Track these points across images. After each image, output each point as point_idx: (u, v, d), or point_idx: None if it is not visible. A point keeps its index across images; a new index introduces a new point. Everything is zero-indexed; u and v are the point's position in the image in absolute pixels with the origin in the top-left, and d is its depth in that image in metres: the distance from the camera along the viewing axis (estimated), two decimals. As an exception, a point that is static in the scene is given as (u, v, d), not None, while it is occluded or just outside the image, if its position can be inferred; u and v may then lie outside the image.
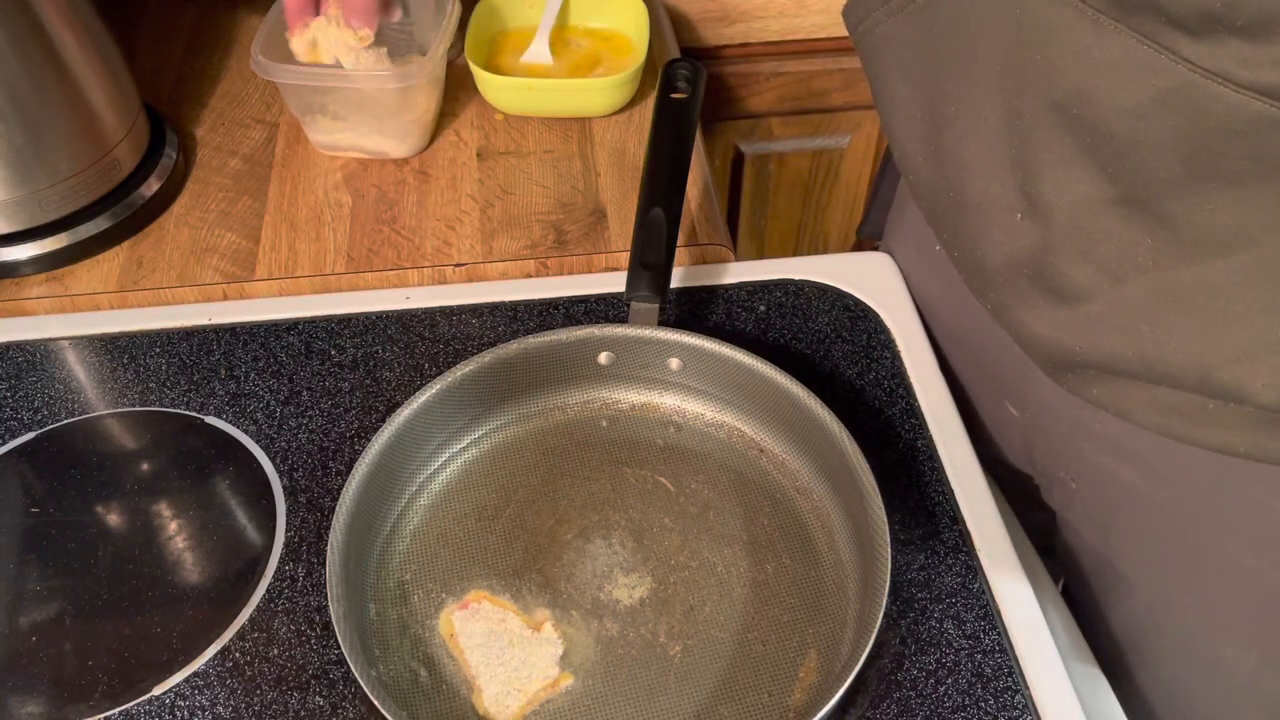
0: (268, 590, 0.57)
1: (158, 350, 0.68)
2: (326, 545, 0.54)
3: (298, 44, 0.72)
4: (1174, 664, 0.60)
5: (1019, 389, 0.63)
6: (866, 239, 0.80)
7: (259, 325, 0.70)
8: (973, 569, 0.57)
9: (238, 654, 0.55)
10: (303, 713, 0.52)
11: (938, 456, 0.62)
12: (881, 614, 0.50)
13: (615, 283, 0.71)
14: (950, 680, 0.53)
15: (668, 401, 0.65)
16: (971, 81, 0.51)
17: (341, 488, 0.55)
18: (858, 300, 0.71)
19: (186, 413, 0.65)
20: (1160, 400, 0.48)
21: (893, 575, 0.51)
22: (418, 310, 0.70)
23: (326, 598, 0.53)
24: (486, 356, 0.61)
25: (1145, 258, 0.46)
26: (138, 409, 0.65)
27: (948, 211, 0.56)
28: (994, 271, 0.53)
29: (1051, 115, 0.46)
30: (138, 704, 0.53)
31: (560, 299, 0.71)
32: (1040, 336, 0.52)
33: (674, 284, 0.70)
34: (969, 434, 0.64)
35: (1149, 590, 0.59)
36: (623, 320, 0.63)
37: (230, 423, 0.64)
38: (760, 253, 1.23)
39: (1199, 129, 0.41)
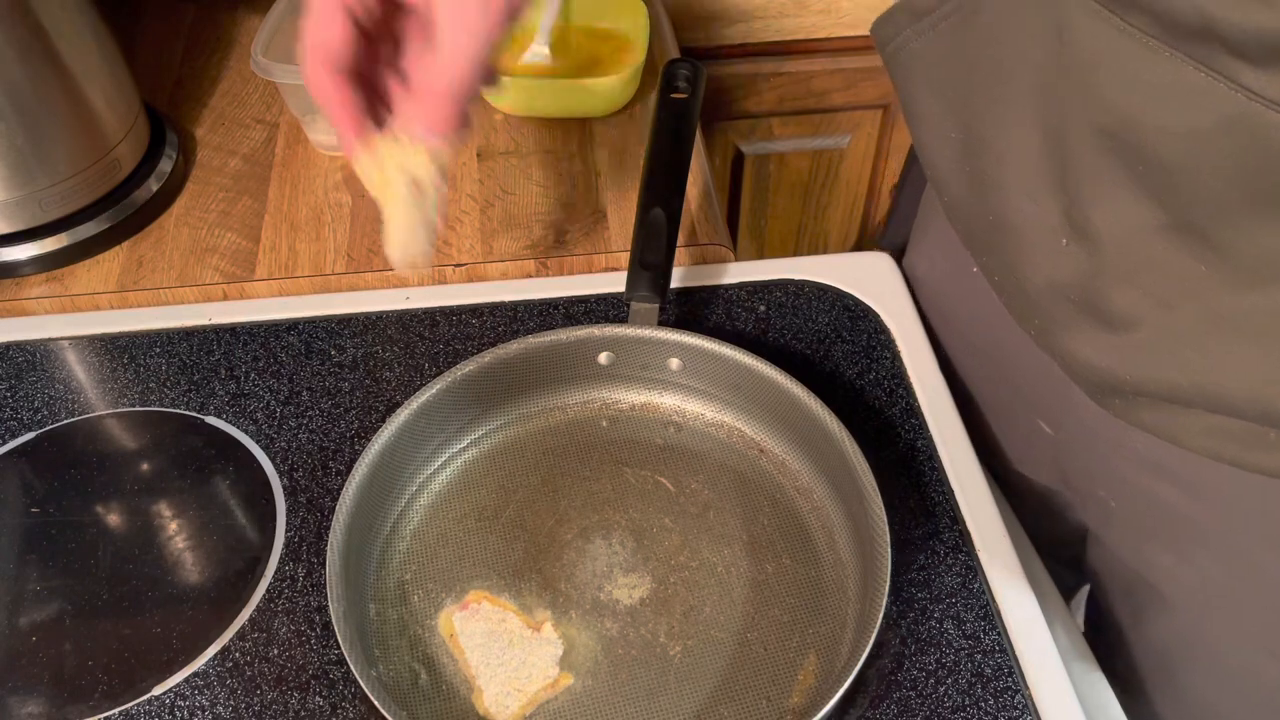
0: (268, 590, 0.57)
1: (158, 350, 0.68)
2: (326, 545, 0.54)
3: (364, 168, 0.49)
4: (1205, 682, 0.59)
5: (1055, 407, 0.62)
6: (888, 249, 0.79)
7: (259, 325, 0.70)
8: (973, 569, 0.57)
9: (237, 654, 0.55)
10: (303, 713, 0.52)
11: (938, 456, 0.62)
12: (881, 614, 0.50)
13: (615, 283, 0.71)
14: (950, 680, 0.53)
15: (668, 401, 0.65)
16: (1008, 102, 0.50)
17: (341, 488, 0.55)
18: (858, 300, 0.71)
19: (186, 413, 0.65)
20: (1214, 427, 0.48)
21: (893, 575, 0.51)
22: (418, 310, 0.70)
23: (326, 598, 0.53)
24: (486, 356, 0.61)
25: (1197, 285, 0.45)
26: (138, 409, 0.65)
27: (986, 233, 0.56)
28: (1037, 296, 0.53)
29: (1097, 140, 0.45)
30: (137, 704, 0.53)
31: (560, 299, 0.71)
32: (1087, 363, 0.51)
33: (674, 284, 0.70)
34: (988, 446, 0.64)
35: (1186, 608, 0.58)
36: (623, 320, 0.63)
37: (230, 423, 0.64)
38: (760, 253, 1.23)
39: (1258, 157, 0.40)
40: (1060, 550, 0.68)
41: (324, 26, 0.46)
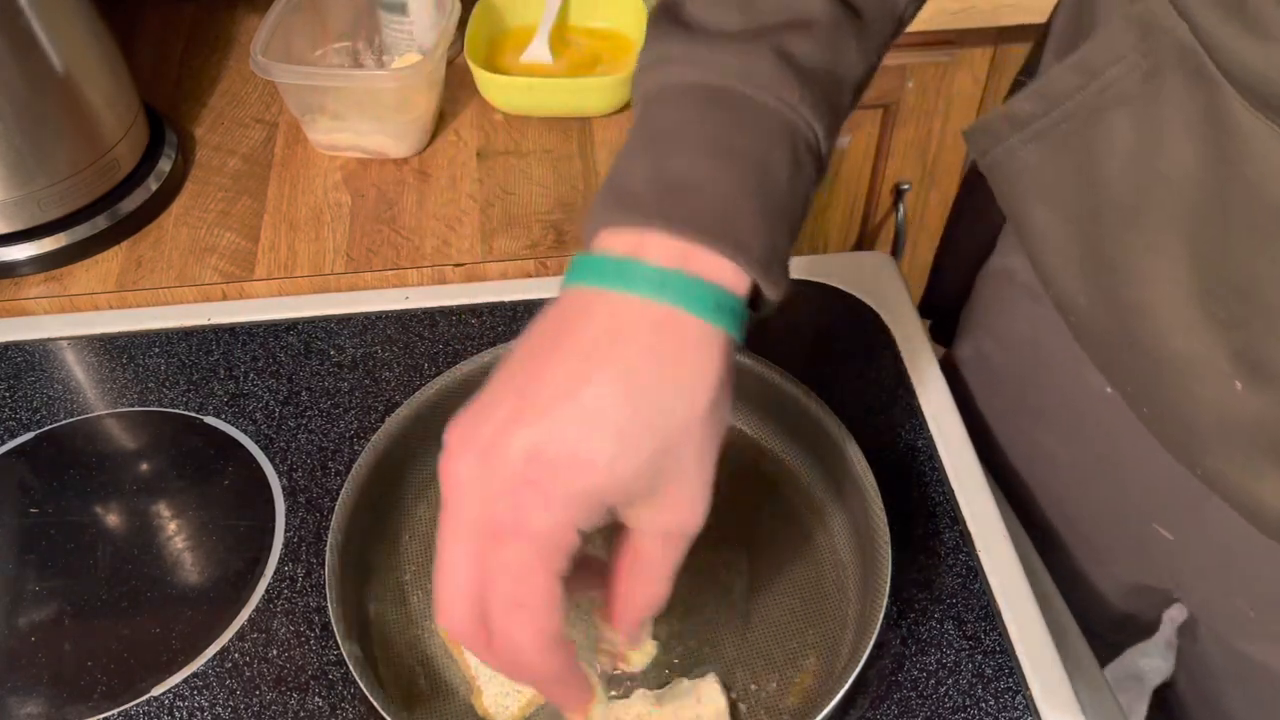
0: (267, 591, 0.57)
1: (157, 350, 0.68)
2: (326, 545, 0.54)
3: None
4: None
5: (1180, 516, 0.57)
6: (921, 311, 0.73)
7: (258, 325, 0.69)
8: (973, 569, 0.57)
9: (237, 655, 0.54)
10: (302, 713, 0.52)
11: (938, 456, 0.62)
12: (882, 614, 0.50)
13: (615, 283, 0.71)
14: (950, 680, 0.53)
15: (668, 401, 0.64)
16: (1147, 225, 0.45)
17: (341, 488, 0.55)
18: (858, 300, 0.71)
19: (185, 413, 0.65)
20: None
21: (893, 575, 0.51)
22: (417, 310, 0.70)
23: (326, 598, 0.53)
24: (486, 356, 0.60)
25: None
26: (137, 409, 0.65)
27: (1130, 363, 0.51)
28: (1208, 437, 0.48)
29: (1273, 269, 0.41)
30: (137, 704, 0.53)
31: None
32: (1276, 510, 0.47)
33: (674, 284, 0.69)
34: (1046, 531, 0.61)
35: None
36: (622, 320, 0.63)
37: (229, 423, 0.64)
38: (760, 253, 1.23)
39: None
40: (1126, 631, 0.66)
41: (552, 613, 0.36)
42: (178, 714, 0.52)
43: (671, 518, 0.38)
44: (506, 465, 0.35)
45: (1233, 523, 0.50)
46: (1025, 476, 0.68)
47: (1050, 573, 0.65)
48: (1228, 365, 0.45)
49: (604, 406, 0.35)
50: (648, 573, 0.39)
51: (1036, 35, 0.61)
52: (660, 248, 0.37)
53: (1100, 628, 0.69)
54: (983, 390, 0.70)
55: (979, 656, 0.54)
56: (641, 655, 0.50)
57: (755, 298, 0.40)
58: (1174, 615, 0.68)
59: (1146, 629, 0.75)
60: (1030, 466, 0.68)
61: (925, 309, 0.75)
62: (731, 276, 0.38)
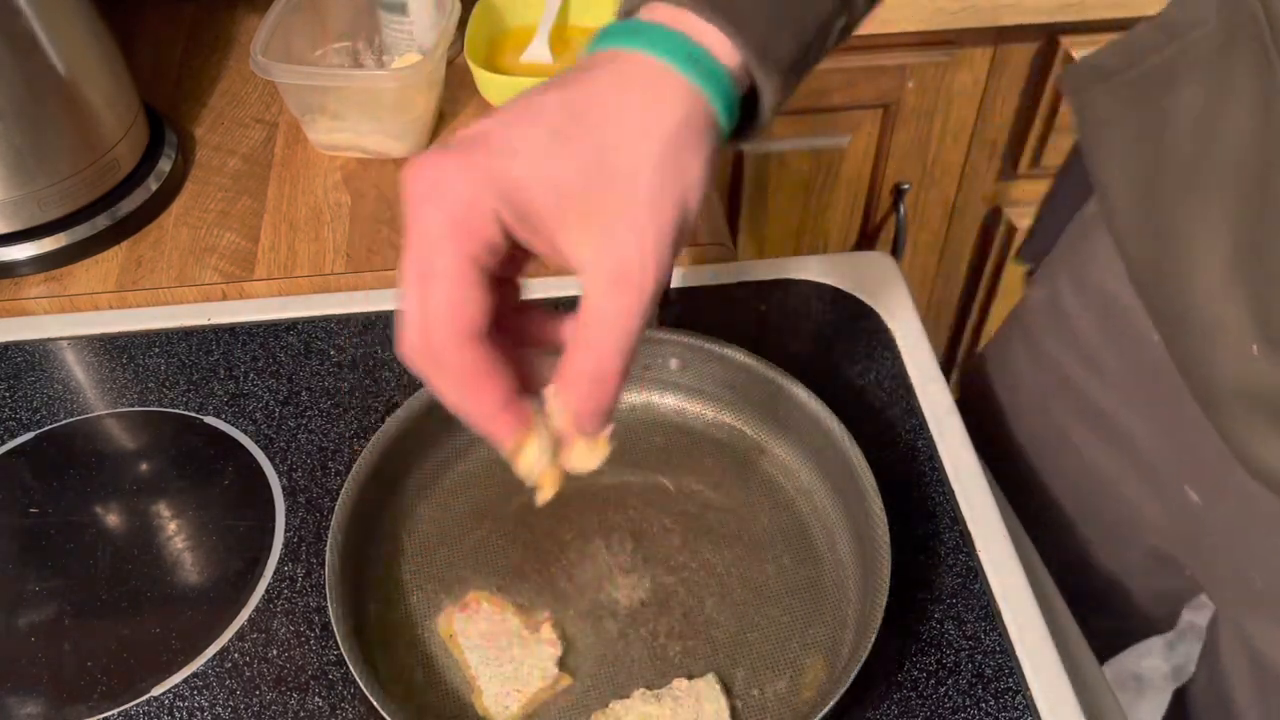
0: (267, 591, 0.57)
1: (156, 350, 0.68)
2: (326, 545, 0.54)
3: (525, 462, 0.41)
4: None
5: (1212, 479, 0.59)
6: (1025, 264, 0.74)
7: (258, 325, 0.69)
8: (973, 569, 0.57)
9: (237, 655, 0.54)
10: (302, 713, 0.52)
11: (938, 456, 0.62)
12: (882, 614, 0.50)
13: (615, 283, 0.71)
14: (951, 680, 0.53)
15: (668, 401, 0.65)
16: (1200, 187, 0.48)
17: (341, 488, 0.55)
18: (858, 300, 0.71)
19: (185, 413, 0.65)
20: None
21: (893, 575, 0.51)
22: (417, 310, 0.70)
23: (326, 598, 0.53)
24: (486, 356, 0.60)
25: None
26: (137, 409, 0.65)
27: (1171, 315, 0.54)
28: (1223, 396, 0.51)
29: None
30: (137, 704, 0.53)
31: (560, 299, 0.70)
32: (1277, 473, 0.49)
33: (674, 284, 0.69)
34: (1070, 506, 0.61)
35: None
36: (622, 320, 0.63)
37: (229, 423, 0.64)
38: (760, 253, 1.23)
39: None
40: (1150, 611, 0.67)
41: (458, 287, 0.36)
42: (178, 714, 0.52)
43: (612, 254, 0.37)
44: (447, 146, 0.38)
45: (1254, 490, 0.52)
46: (1066, 437, 0.69)
47: (1065, 556, 0.66)
48: (1249, 329, 0.47)
49: (547, 107, 0.38)
50: (595, 331, 0.38)
51: None
52: (661, 12, 0.39)
53: (1110, 616, 0.70)
54: (1048, 336, 0.70)
55: (979, 656, 0.54)
56: (589, 454, 0.42)
57: (756, 102, 0.41)
58: (1192, 619, 0.69)
59: (1156, 619, 0.76)
60: (1075, 421, 0.69)
61: (1024, 254, 0.76)
62: (719, 44, 0.39)
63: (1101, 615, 0.69)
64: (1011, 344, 0.75)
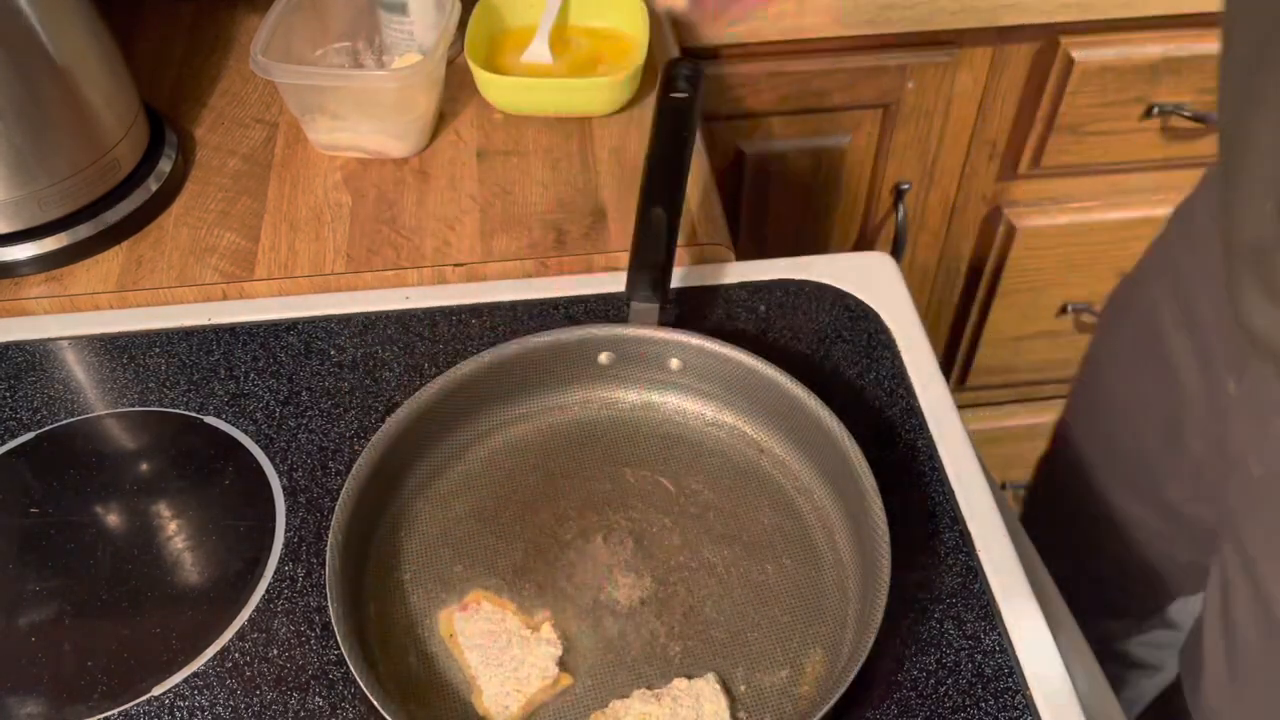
0: (267, 591, 0.57)
1: (157, 350, 0.68)
2: (326, 545, 0.54)
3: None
4: None
5: (1240, 362, 0.64)
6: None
7: (258, 325, 0.69)
8: (973, 569, 0.57)
9: (237, 654, 0.54)
10: (302, 713, 0.52)
11: (938, 456, 0.62)
12: (882, 614, 0.50)
13: (615, 283, 0.71)
14: (950, 680, 0.53)
15: (668, 401, 0.65)
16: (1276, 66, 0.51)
17: (341, 488, 0.55)
18: (858, 300, 0.71)
19: (186, 413, 0.65)
20: None
21: (893, 575, 0.51)
22: (417, 310, 0.70)
23: (326, 598, 0.53)
24: (486, 356, 0.60)
25: None
26: (137, 409, 0.65)
27: (1231, 169, 0.57)
28: (1236, 249, 0.55)
29: None
30: (137, 704, 0.53)
31: (560, 299, 0.70)
32: (1254, 326, 0.54)
33: (674, 284, 0.69)
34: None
35: None
36: (623, 320, 0.63)
37: (230, 423, 0.64)
38: (760, 253, 1.23)
39: None
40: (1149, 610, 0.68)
41: None
42: (178, 714, 0.52)
43: None
44: None
45: (1268, 373, 0.57)
46: (1121, 369, 0.75)
47: (1091, 526, 0.69)
48: (1274, 188, 0.51)
49: None
50: None
51: None
52: None
53: (1128, 590, 0.71)
54: (1173, 230, 0.75)
55: (979, 656, 0.54)
56: None
57: None
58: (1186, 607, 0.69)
59: (1155, 616, 0.76)
60: (1169, 298, 0.72)
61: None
62: None
63: (1101, 615, 0.69)
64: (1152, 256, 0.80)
